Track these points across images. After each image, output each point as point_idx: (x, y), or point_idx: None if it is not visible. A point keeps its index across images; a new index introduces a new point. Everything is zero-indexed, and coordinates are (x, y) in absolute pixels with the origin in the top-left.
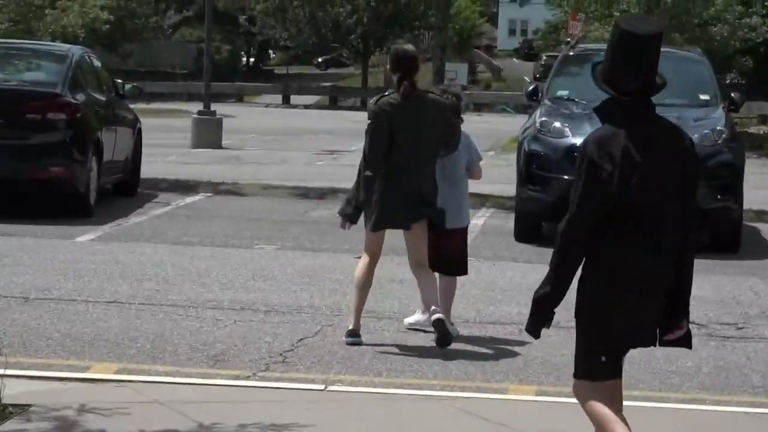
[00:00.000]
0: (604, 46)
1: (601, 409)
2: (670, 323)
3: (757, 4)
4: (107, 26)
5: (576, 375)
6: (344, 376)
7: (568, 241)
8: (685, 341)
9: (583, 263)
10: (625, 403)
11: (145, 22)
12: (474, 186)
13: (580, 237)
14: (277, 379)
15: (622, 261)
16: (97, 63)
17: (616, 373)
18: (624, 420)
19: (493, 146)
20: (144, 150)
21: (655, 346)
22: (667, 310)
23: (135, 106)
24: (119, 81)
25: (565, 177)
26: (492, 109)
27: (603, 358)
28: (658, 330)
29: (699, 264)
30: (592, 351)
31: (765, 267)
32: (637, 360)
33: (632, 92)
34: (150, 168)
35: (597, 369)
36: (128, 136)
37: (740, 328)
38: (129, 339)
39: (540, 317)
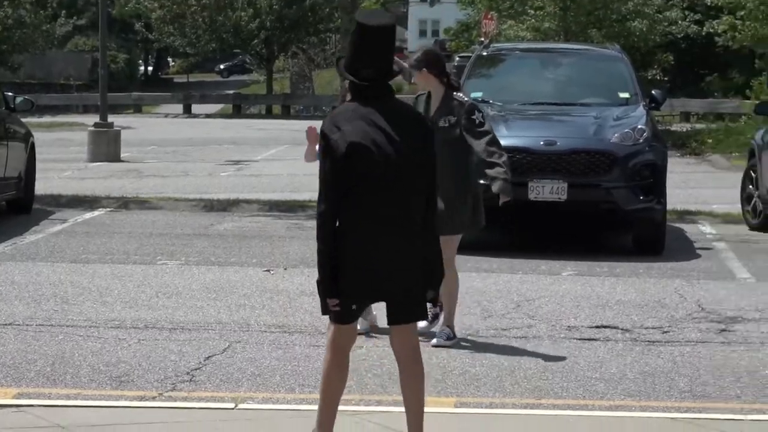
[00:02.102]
0: (518, 45)
1: (336, 350)
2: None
3: None
4: None
5: (331, 320)
6: (255, 394)
7: (323, 217)
8: (421, 313)
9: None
10: (547, 412)
11: (34, 31)
12: None
13: (331, 212)
14: (185, 399)
15: (365, 228)
16: None
17: (356, 318)
18: (346, 364)
19: None
20: (38, 165)
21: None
22: (422, 279)
23: (27, 119)
24: (9, 94)
25: (480, 181)
26: None
27: (353, 306)
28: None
29: (622, 267)
30: (345, 301)
31: (690, 269)
32: (559, 368)
33: (370, 78)
34: (45, 184)
35: (347, 315)
36: (20, 151)
37: (666, 332)
38: (27, 362)
39: (325, 299)
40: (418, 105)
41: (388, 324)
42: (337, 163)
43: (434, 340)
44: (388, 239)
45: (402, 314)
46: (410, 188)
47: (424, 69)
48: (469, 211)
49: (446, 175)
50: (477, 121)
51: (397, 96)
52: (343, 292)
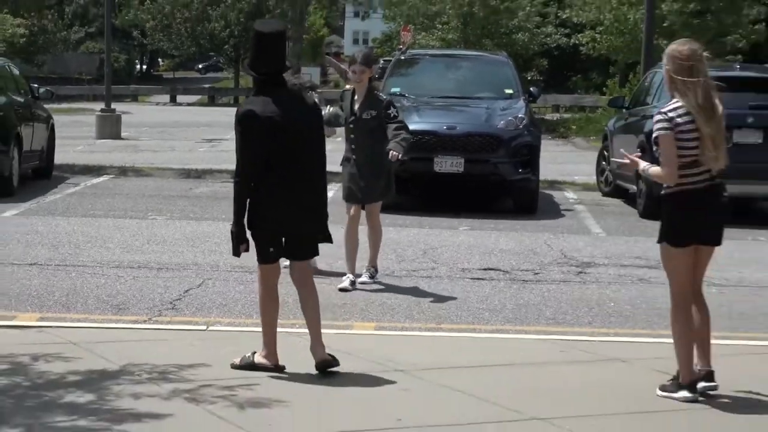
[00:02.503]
0: (429, 51)
1: (266, 285)
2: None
3: (551, 15)
4: (23, 40)
5: (258, 261)
6: (222, 319)
7: (240, 184)
8: (315, 251)
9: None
10: (445, 334)
11: (55, 36)
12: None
13: (246, 179)
14: (168, 322)
15: (280, 188)
16: (15, 71)
17: (276, 258)
18: (276, 295)
19: (342, 132)
20: (57, 141)
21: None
22: (316, 221)
23: (48, 105)
24: (35, 85)
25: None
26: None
27: (271, 249)
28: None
29: (504, 224)
30: (264, 242)
31: (556, 226)
32: (455, 301)
33: (267, 73)
34: (62, 156)
35: (268, 256)
36: (43, 130)
37: (537, 274)
38: (47, 293)
39: (237, 245)
40: (344, 98)
41: (290, 260)
42: (256, 137)
43: (361, 278)
44: (294, 196)
45: (301, 253)
46: (309, 154)
47: (367, 65)
48: (383, 185)
49: (367, 157)
50: (392, 115)
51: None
52: (262, 238)
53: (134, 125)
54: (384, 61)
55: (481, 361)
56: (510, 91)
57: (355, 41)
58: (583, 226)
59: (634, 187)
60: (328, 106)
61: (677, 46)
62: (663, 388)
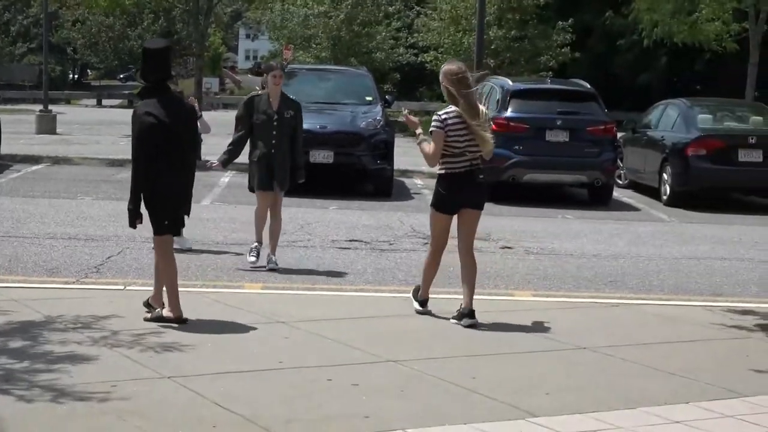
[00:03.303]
0: (305, 66)
1: (163, 252)
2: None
3: (402, 39)
4: None
5: (155, 233)
6: (137, 280)
7: (138, 168)
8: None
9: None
10: (318, 293)
11: (1, 51)
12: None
13: (140, 164)
14: (93, 283)
15: (163, 174)
16: None
17: (169, 231)
18: (172, 261)
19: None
20: (2, 135)
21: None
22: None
23: None
24: None
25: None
26: (235, 108)
27: (166, 222)
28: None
29: (366, 204)
30: (160, 218)
31: (407, 206)
32: (326, 266)
33: (154, 81)
34: (7, 147)
35: (162, 228)
36: None
37: (392, 244)
38: None
39: (133, 219)
40: (261, 100)
41: (173, 234)
42: (147, 131)
43: (270, 265)
44: (175, 180)
45: (178, 227)
46: (184, 148)
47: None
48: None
49: (285, 151)
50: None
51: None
52: (156, 214)
53: (67, 123)
54: None
55: (347, 315)
56: (370, 98)
57: (247, 57)
58: (428, 206)
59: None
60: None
61: (448, 66)
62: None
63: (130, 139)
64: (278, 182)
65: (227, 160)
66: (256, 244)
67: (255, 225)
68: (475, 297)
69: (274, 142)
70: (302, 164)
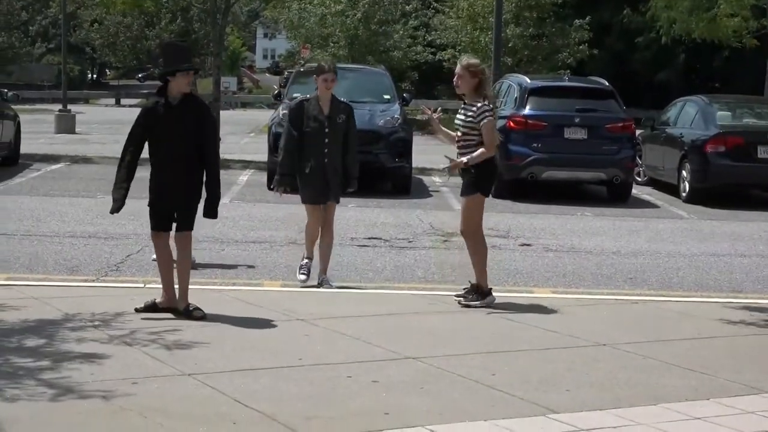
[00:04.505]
0: None
1: (158, 247)
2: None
3: (420, 38)
4: None
5: (153, 229)
6: (156, 278)
7: (121, 161)
8: (191, 225)
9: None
10: (338, 290)
11: (21, 50)
12: (240, 155)
13: (126, 158)
14: (113, 281)
15: (158, 170)
16: None
17: (163, 227)
18: (169, 257)
19: (253, 130)
20: (22, 135)
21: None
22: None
23: (16, 106)
24: (4, 90)
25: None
26: (253, 107)
27: (156, 217)
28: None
29: (385, 202)
30: (150, 213)
31: (425, 203)
32: (345, 263)
33: (159, 77)
34: (27, 147)
35: (159, 224)
36: (11, 126)
37: (410, 242)
38: (14, 258)
39: (117, 206)
40: (310, 105)
41: (174, 231)
42: (134, 127)
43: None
44: (164, 177)
45: (181, 225)
46: (176, 144)
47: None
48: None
49: (336, 159)
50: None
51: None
52: (150, 210)
53: (86, 123)
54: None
55: (366, 311)
56: (388, 97)
57: (264, 56)
58: (447, 204)
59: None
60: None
61: (475, 60)
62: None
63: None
64: (333, 194)
65: (289, 181)
66: (306, 260)
67: (305, 240)
68: (495, 293)
69: (326, 150)
70: (356, 174)
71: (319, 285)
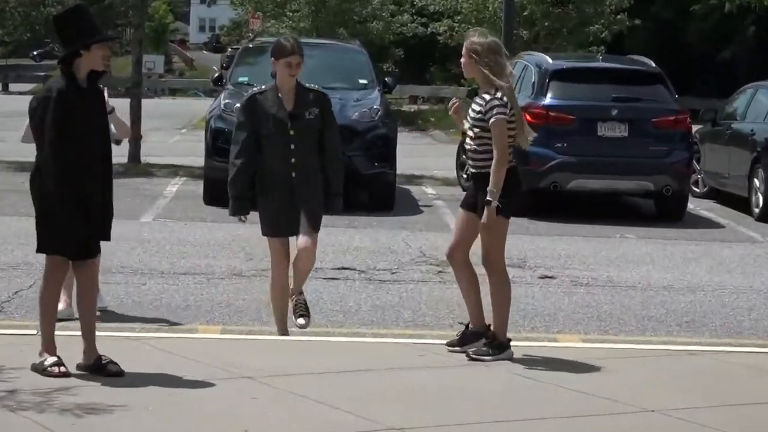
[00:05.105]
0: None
1: (50, 277)
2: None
3: (407, 3)
4: None
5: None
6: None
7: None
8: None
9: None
10: (296, 338)
11: None
12: (168, 158)
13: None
14: None
15: (66, 177)
16: None
17: (73, 253)
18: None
19: (185, 125)
20: None
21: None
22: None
23: None
24: None
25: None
26: (185, 94)
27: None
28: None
29: (360, 220)
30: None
31: (414, 222)
32: (308, 301)
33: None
34: None
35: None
36: None
37: (394, 273)
38: None
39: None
40: (267, 99)
41: (82, 260)
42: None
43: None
44: (86, 185)
45: (92, 248)
46: (97, 143)
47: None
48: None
49: (307, 171)
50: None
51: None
52: (63, 231)
53: None
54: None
55: (334, 367)
56: (364, 82)
57: (201, 29)
58: (442, 223)
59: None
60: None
61: (482, 38)
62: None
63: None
64: (307, 221)
65: (241, 206)
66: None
67: (272, 299)
68: (512, 342)
69: (293, 161)
70: (339, 188)
71: (295, 307)
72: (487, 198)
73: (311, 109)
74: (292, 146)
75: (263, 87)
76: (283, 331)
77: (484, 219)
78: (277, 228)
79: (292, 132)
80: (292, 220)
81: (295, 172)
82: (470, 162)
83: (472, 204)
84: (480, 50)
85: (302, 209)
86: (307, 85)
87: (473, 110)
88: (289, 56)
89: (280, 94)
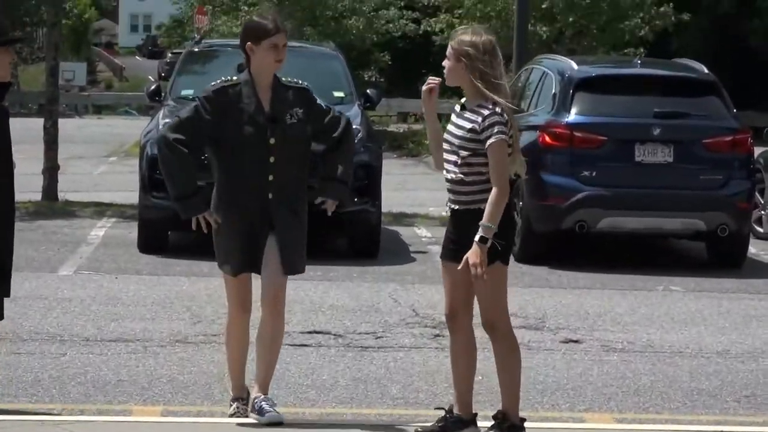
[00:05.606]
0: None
1: None
2: None
3: None
4: None
5: None
6: None
7: None
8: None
9: None
10: (247, 419)
11: None
12: (92, 194)
13: None
14: None
15: None
16: None
17: None
18: None
19: (114, 151)
20: None
21: None
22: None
23: None
24: None
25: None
26: (114, 111)
27: None
28: None
29: (336, 270)
30: None
31: (405, 272)
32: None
33: None
34: None
35: None
36: None
37: (379, 338)
38: None
39: None
40: (240, 94)
41: None
42: None
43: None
44: None
45: None
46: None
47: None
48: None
49: (294, 188)
50: (324, 108)
51: None
52: None
53: None
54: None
55: None
56: (340, 95)
57: (134, 27)
58: (439, 274)
59: None
60: None
61: (475, 37)
62: None
63: None
64: (281, 257)
65: (193, 203)
66: (234, 404)
67: (227, 352)
68: (527, 423)
69: (271, 178)
70: (347, 179)
71: (255, 413)
72: (481, 235)
73: (293, 111)
74: (272, 159)
75: (234, 78)
76: (240, 390)
77: (473, 260)
78: (239, 263)
79: (272, 141)
80: (260, 253)
81: (272, 193)
82: (452, 196)
83: (455, 251)
84: (472, 52)
85: (277, 240)
86: (284, 79)
87: (459, 127)
88: (273, 36)
89: (256, 89)
